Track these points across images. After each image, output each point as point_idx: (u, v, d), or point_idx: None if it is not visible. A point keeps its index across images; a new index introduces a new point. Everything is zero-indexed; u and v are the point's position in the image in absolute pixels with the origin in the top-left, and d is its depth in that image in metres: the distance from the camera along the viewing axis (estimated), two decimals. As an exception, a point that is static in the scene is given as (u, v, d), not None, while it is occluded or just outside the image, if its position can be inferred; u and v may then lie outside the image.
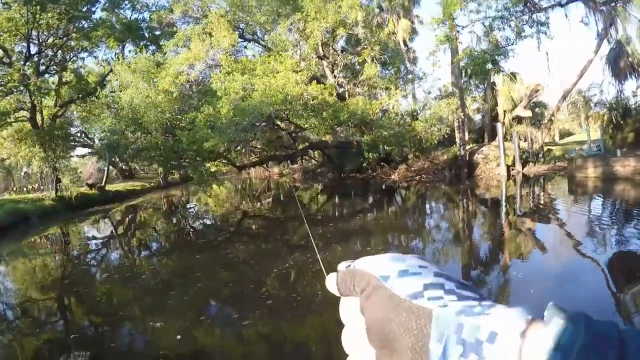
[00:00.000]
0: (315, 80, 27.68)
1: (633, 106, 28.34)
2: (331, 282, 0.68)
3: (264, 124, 25.15)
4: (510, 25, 28.42)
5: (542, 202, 17.96)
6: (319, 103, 25.28)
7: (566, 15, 29.39)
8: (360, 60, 31.05)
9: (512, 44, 28.85)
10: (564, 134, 39.88)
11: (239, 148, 27.06)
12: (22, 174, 41.88)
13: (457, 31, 29.36)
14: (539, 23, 28.54)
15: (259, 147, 34.06)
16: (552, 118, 32.44)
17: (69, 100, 30.95)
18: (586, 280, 8.11)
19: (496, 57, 28.56)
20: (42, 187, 32.77)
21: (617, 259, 9.16)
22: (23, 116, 29.21)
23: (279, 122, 28.61)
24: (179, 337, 7.02)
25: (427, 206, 22.30)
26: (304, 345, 6.74)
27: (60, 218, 25.94)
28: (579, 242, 10.99)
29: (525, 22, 28.41)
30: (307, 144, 35.35)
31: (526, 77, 34.42)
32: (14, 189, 35.26)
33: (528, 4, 27.44)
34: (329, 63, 32.30)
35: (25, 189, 34.09)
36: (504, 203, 19.25)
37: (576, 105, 44.04)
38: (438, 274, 0.56)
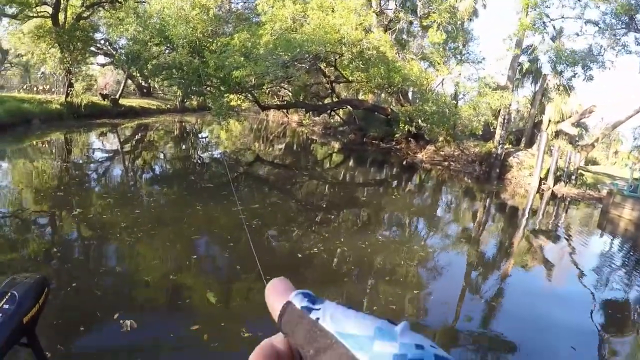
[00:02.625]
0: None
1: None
2: (274, 300, 0.49)
3: (302, 65, 23.21)
4: (604, 35, 26.41)
5: (567, 227, 16.71)
6: (377, 56, 23.15)
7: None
8: (424, 24, 28.70)
9: (603, 54, 26.81)
10: (589, 161, 38.45)
11: (272, 84, 25.12)
12: (40, 73, 40.71)
13: (544, 22, 27.20)
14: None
15: (287, 89, 32.45)
16: (595, 144, 30.80)
17: (96, 2, 29.15)
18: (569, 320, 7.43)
19: (588, 62, 26.43)
20: (53, 90, 31.35)
21: (612, 305, 8.57)
22: (45, 11, 27.48)
23: (322, 66, 26.82)
24: (155, 271, 7.00)
25: (447, 197, 20.94)
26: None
27: (64, 124, 24.83)
28: (583, 277, 10.27)
29: (619, 36, 26.24)
30: (337, 99, 33.54)
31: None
32: (25, 87, 33.83)
33: (633, 19, 25.17)
34: (383, 20, 30.02)
35: (35, 88, 32.64)
36: (526, 217, 17.88)
37: (609, 137, 42.88)
38: (439, 357, 0.41)
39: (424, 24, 28.76)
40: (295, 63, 21.91)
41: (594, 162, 40.82)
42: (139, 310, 5.82)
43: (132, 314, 5.41)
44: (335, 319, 0.43)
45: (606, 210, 19.86)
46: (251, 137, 35.68)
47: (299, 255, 8.66)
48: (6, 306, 3.42)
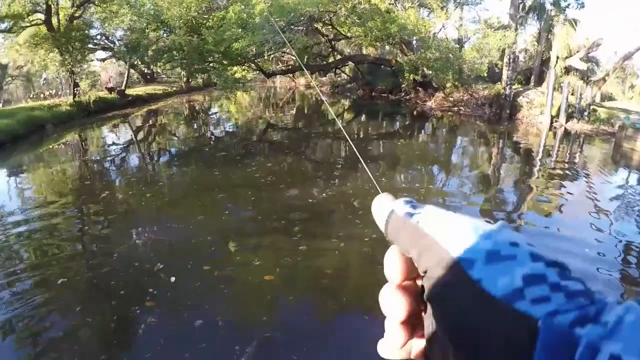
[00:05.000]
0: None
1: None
2: (379, 212, 0.52)
3: (301, 28, 23.23)
4: None
5: (579, 163, 16.55)
6: (369, 9, 23.12)
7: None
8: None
9: None
10: (605, 96, 37.69)
11: (271, 51, 25.13)
12: (42, 80, 40.93)
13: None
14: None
15: (288, 54, 32.42)
16: (606, 78, 30.15)
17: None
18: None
19: None
20: (59, 93, 31.58)
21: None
22: (38, 19, 27.42)
23: (319, 26, 26.84)
24: (188, 253, 6.84)
25: (459, 141, 21.03)
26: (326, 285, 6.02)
27: (77, 124, 24.97)
28: (606, 212, 9.89)
29: None
30: (340, 56, 33.50)
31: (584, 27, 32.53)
32: (31, 96, 34.05)
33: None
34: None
35: (42, 95, 32.82)
36: (540, 155, 17.97)
37: (624, 71, 41.98)
38: (534, 255, 0.41)
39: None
40: (292, 27, 21.95)
41: (610, 98, 40.14)
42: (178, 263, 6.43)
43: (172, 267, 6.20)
44: (434, 221, 0.45)
45: (619, 144, 19.66)
46: (261, 106, 35.70)
47: (310, 200, 9.51)
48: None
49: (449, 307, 0.40)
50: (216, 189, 10.26)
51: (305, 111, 32.78)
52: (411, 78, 28.17)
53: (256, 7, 21.92)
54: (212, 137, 20.85)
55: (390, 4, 28.18)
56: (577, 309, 0.36)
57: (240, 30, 21.19)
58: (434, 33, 28.47)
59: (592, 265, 6.70)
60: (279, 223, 8.05)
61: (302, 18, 21.60)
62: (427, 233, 0.44)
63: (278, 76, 43.18)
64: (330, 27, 27.07)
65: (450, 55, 25.49)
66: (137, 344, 4.68)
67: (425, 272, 0.43)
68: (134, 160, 15.81)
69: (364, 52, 34.21)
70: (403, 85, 31.79)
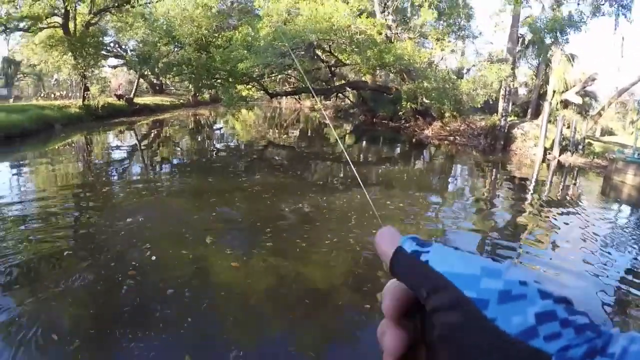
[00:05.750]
0: (366, 14, 26.32)
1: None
2: (384, 247, 0.51)
3: (302, 53, 24.20)
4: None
5: (572, 196, 16.62)
6: (365, 39, 24.01)
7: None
8: (417, 3, 28.97)
9: (585, 20, 27.81)
10: (605, 131, 37.88)
11: (274, 73, 26.15)
12: (53, 81, 41.67)
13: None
14: (620, 5, 27.35)
15: (293, 76, 33.38)
16: (602, 112, 30.58)
17: (103, 8, 30.09)
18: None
19: (567, 28, 27.48)
20: (70, 95, 32.40)
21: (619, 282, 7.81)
22: (56, 22, 28.38)
23: (319, 53, 27.70)
24: (174, 255, 7.29)
25: (456, 170, 21.39)
26: (305, 291, 6.50)
27: (85, 126, 25.73)
28: (596, 244, 9.77)
29: (604, 1, 27.29)
30: (343, 81, 34.40)
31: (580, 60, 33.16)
32: (42, 95, 34.91)
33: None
34: (381, 0, 30.74)
35: (52, 95, 33.66)
36: (532, 186, 18.05)
37: (625, 106, 42.46)
38: (543, 292, 0.42)
39: (416, 3, 29.26)
40: (294, 52, 22.84)
41: (611, 133, 40.25)
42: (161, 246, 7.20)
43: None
44: (444, 260, 0.45)
45: (609, 177, 19.67)
46: (265, 126, 36.59)
47: (287, 209, 10.12)
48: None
49: (465, 347, 0.41)
50: (208, 194, 11.25)
51: (308, 133, 33.40)
52: (409, 106, 28.90)
53: (261, 31, 22.90)
54: (213, 150, 21.73)
55: (395, 33, 29.12)
56: (586, 343, 0.38)
57: (245, 51, 22.16)
58: (435, 63, 29.15)
59: (583, 296, 6.71)
60: (254, 224, 9.06)
61: (303, 44, 22.50)
62: (438, 272, 0.44)
63: (284, 97, 44.04)
64: (329, 53, 27.93)
65: (447, 85, 26.17)
66: (118, 303, 5.69)
67: (433, 310, 0.44)
68: (136, 163, 16.72)
69: (364, 78, 35.15)
70: (401, 113, 32.67)
